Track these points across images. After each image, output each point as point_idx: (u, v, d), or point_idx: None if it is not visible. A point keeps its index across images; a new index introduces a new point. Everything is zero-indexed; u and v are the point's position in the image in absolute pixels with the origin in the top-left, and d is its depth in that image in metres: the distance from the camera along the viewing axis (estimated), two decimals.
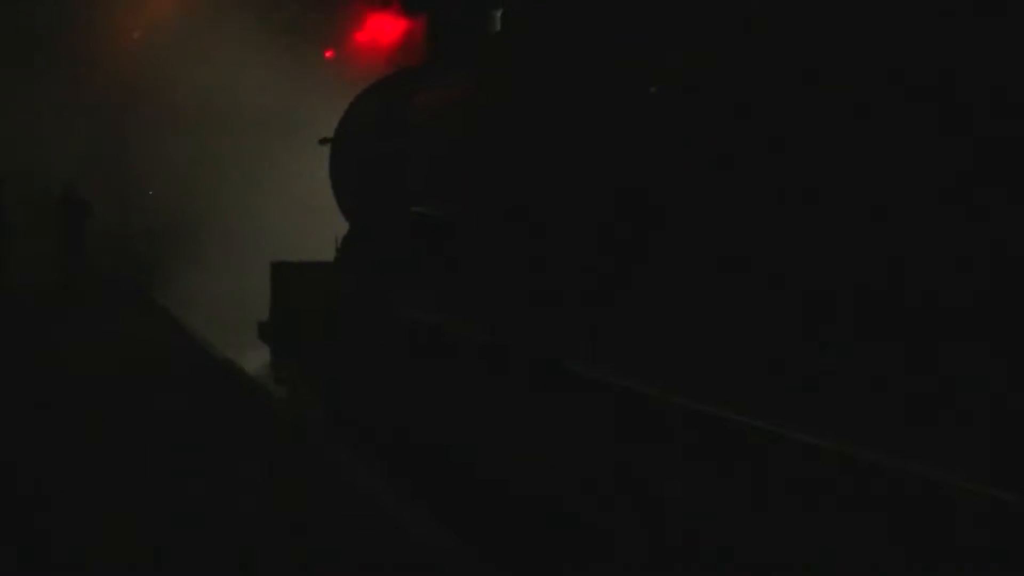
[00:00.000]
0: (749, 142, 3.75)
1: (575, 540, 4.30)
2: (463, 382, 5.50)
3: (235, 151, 15.24)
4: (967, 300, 2.88)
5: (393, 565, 4.34)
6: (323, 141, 9.31)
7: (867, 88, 3.26)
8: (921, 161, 3.04)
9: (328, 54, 16.21)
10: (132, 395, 7.76)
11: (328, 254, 9.23)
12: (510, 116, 5.73)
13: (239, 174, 15.34)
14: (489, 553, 4.71)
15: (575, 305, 4.79)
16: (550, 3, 5.99)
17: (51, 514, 4.92)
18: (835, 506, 3.06)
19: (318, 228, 10.09)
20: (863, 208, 3.24)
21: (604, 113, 4.69)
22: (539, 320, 5.04)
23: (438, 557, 4.43)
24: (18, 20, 14.58)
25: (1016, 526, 2.57)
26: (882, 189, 3.17)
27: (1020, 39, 2.81)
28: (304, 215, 12.55)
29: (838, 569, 3.03)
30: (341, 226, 9.23)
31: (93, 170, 14.77)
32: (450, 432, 5.63)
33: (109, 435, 6.42)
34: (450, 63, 7.55)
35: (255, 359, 10.60)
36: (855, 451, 3.02)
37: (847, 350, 3.23)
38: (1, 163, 13.71)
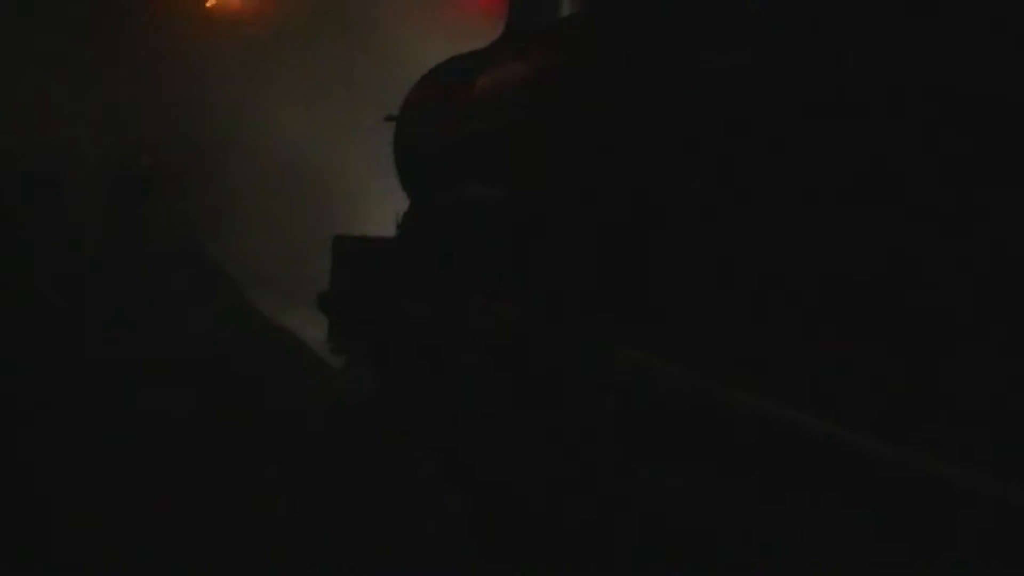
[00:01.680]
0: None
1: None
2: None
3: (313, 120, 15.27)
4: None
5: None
6: (389, 118, 9.31)
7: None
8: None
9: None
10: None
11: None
12: (575, 101, 5.65)
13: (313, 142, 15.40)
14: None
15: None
16: None
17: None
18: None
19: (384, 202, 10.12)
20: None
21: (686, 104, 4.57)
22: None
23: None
24: None
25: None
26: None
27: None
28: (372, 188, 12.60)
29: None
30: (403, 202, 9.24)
31: (173, 135, 14.88)
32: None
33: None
34: (518, 44, 7.47)
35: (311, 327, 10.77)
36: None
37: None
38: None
